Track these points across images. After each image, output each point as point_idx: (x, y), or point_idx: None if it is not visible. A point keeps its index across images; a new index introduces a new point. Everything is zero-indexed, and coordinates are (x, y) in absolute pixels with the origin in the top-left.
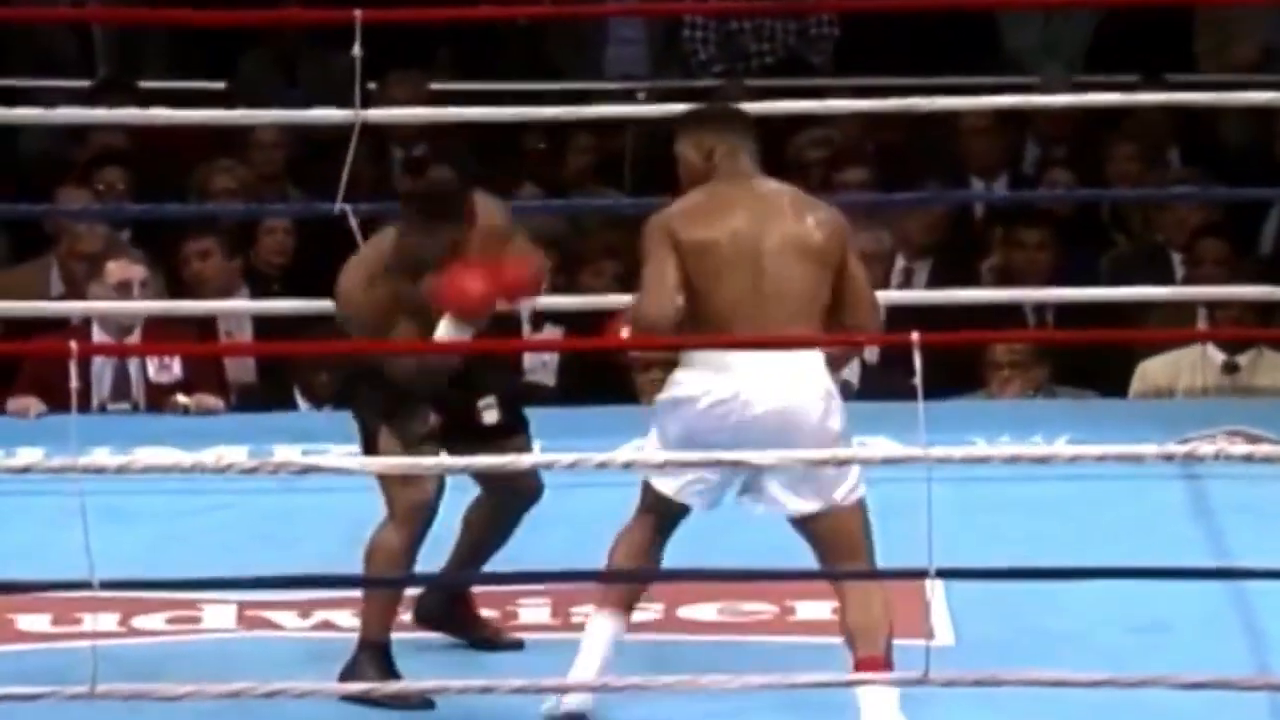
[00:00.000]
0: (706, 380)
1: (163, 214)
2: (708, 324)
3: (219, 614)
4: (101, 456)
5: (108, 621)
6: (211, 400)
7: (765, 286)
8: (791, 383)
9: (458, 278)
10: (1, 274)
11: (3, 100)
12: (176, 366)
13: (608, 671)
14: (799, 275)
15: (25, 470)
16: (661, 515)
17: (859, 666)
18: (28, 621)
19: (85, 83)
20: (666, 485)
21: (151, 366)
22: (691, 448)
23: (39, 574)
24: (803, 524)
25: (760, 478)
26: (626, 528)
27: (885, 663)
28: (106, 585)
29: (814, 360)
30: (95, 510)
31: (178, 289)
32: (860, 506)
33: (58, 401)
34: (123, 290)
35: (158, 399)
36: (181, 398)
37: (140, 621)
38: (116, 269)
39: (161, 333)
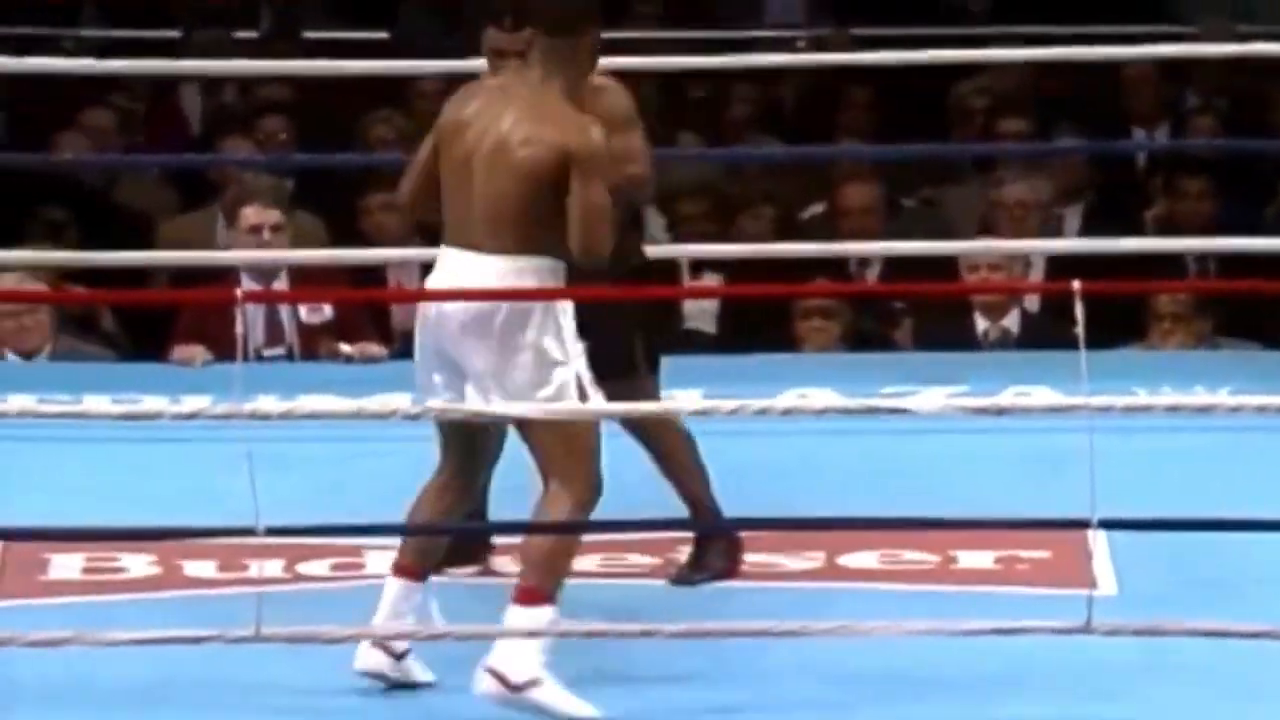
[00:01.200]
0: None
1: (325, 163)
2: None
3: (382, 560)
4: (266, 403)
5: (273, 568)
6: (374, 348)
7: (473, 187)
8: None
9: None
10: (169, 224)
11: (165, 52)
12: (327, 309)
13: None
14: (496, 182)
15: (192, 416)
16: (447, 449)
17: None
18: (194, 567)
19: (251, 33)
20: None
21: (303, 310)
22: (421, 357)
23: (206, 521)
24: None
25: (464, 385)
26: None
27: (536, 598)
28: (272, 531)
29: (506, 265)
30: (260, 457)
31: (353, 239)
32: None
33: (217, 349)
34: (254, 234)
35: (311, 341)
36: (345, 346)
37: (304, 568)
38: (251, 213)
39: (309, 277)
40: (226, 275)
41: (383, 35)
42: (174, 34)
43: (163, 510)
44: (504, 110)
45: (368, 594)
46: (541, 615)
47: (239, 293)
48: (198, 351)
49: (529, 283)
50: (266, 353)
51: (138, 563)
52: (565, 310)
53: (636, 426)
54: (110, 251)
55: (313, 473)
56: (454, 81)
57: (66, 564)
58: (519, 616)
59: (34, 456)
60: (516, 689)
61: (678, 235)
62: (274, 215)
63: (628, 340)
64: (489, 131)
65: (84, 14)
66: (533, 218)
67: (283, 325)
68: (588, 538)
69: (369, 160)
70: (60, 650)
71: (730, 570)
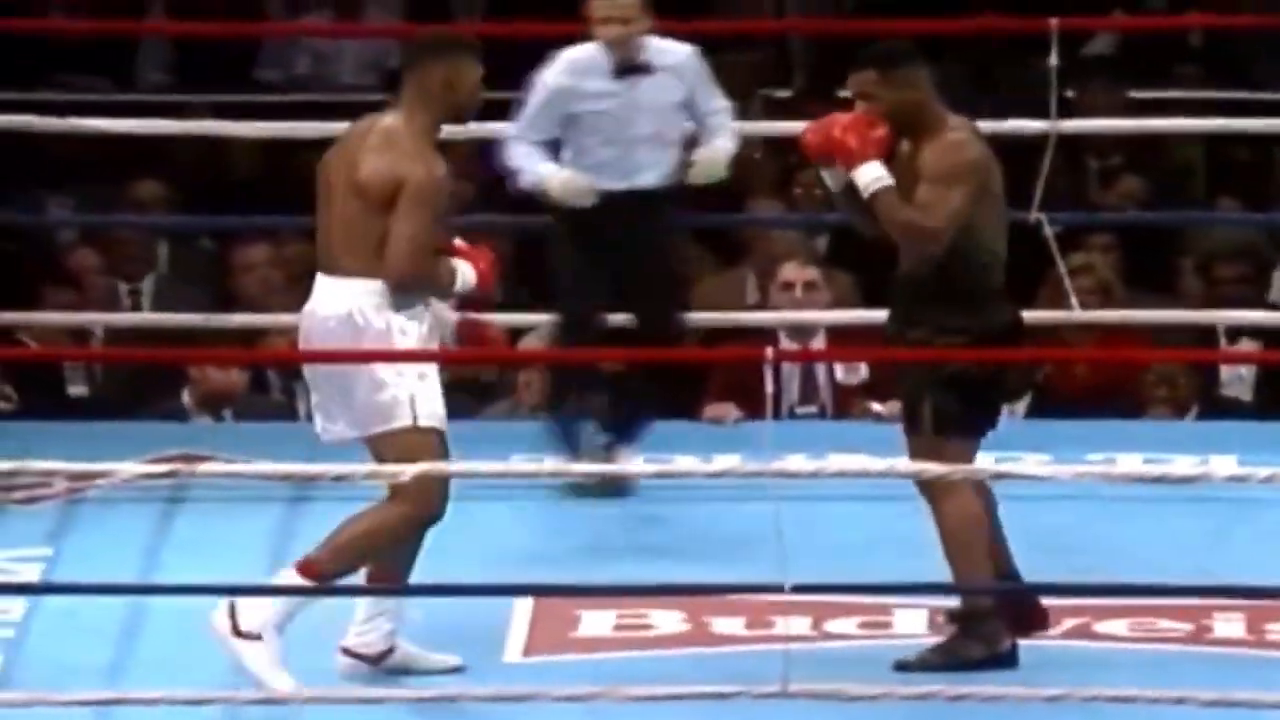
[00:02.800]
0: None
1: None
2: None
3: (910, 619)
4: (795, 461)
5: (800, 625)
6: None
7: (330, 212)
8: (317, 310)
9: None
10: (702, 283)
11: None
12: (863, 369)
13: None
14: (340, 207)
15: (722, 475)
16: None
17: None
18: (723, 624)
19: (784, 92)
20: None
21: (839, 369)
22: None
23: (735, 578)
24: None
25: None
26: None
27: (310, 570)
28: (798, 589)
29: (349, 289)
30: (789, 515)
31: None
32: (401, 435)
33: (750, 407)
34: (788, 290)
35: (845, 402)
36: (875, 405)
37: (832, 625)
38: (788, 271)
39: (846, 336)
40: (760, 333)
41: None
42: None
43: (692, 567)
44: (362, 142)
45: (896, 653)
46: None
47: (769, 351)
48: (730, 410)
49: (365, 304)
50: (799, 410)
51: (668, 619)
52: (404, 331)
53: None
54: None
55: (842, 531)
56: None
57: (598, 620)
58: (288, 576)
59: (563, 513)
60: (238, 634)
61: (1213, 299)
62: (810, 273)
63: (914, 399)
64: (344, 163)
65: None
66: (371, 242)
67: (818, 384)
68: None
69: None
70: (588, 704)
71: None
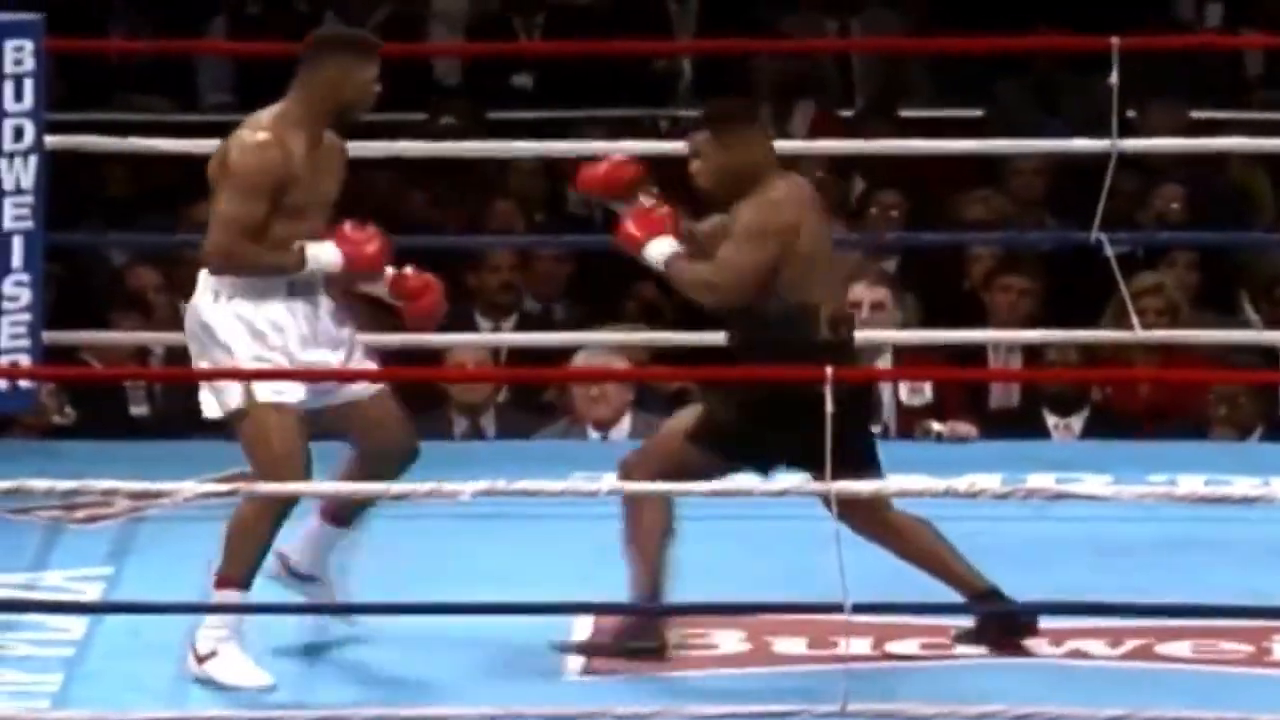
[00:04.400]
0: None
1: (917, 242)
2: None
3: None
4: (855, 482)
5: (860, 645)
6: (965, 427)
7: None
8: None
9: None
10: None
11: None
12: (928, 390)
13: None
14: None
15: (782, 494)
16: None
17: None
18: (783, 644)
19: (846, 112)
20: None
21: (904, 390)
22: None
23: (797, 598)
24: None
25: None
26: None
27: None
28: (859, 609)
29: (202, 278)
30: (850, 535)
31: (951, 318)
32: (241, 416)
33: None
34: (854, 309)
35: (908, 422)
36: (935, 424)
37: (893, 646)
38: (856, 290)
39: (914, 357)
40: None
41: (978, 113)
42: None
43: (754, 587)
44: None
45: (957, 674)
46: (227, 597)
47: (828, 371)
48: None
49: (219, 291)
50: None
51: (728, 638)
52: (239, 317)
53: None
54: (700, 332)
55: None
56: (1050, 161)
57: None
58: (215, 596)
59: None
60: (199, 659)
61: (1277, 320)
62: (879, 293)
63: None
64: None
65: (679, 93)
66: None
67: (882, 404)
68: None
69: (960, 239)
70: None
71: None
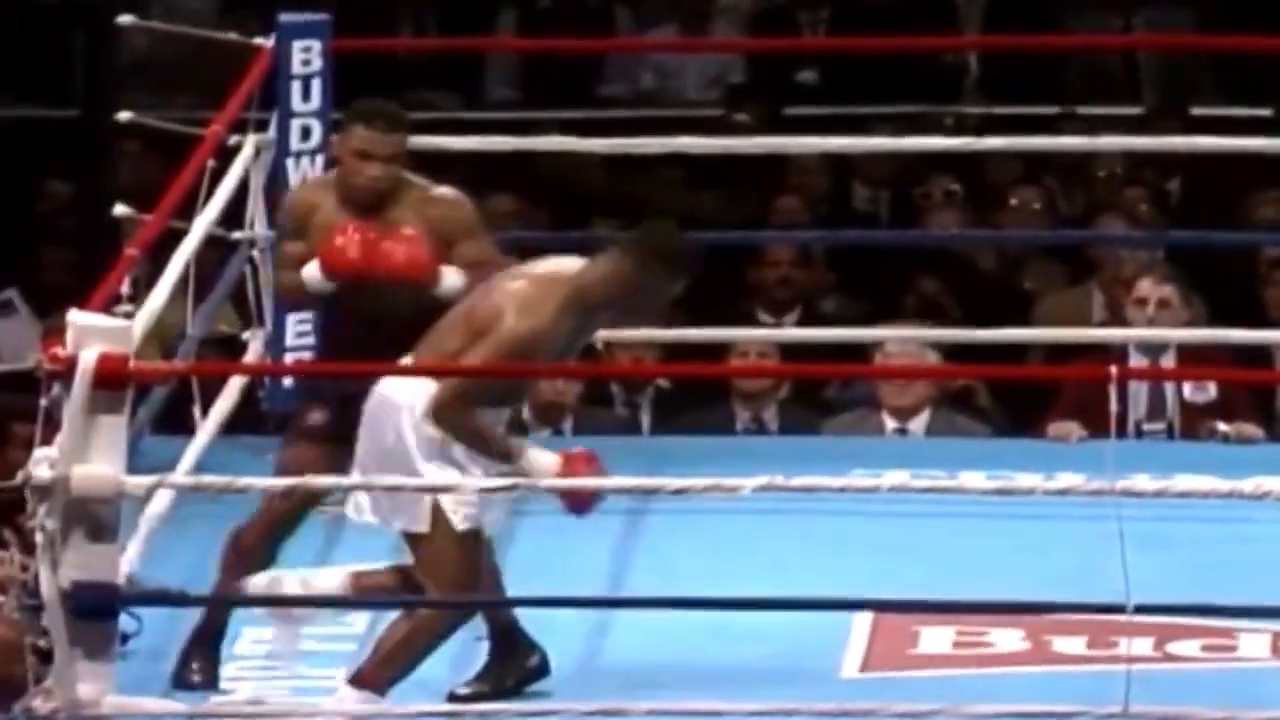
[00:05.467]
0: None
1: (1202, 242)
2: None
3: (1254, 643)
4: (1139, 481)
5: (1142, 646)
6: (1251, 429)
7: None
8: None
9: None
10: (1049, 299)
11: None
12: (1212, 388)
13: None
14: None
15: (1064, 493)
16: None
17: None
18: (1063, 644)
19: (1135, 109)
20: None
21: (1187, 387)
22: None
23: (1076, 598)
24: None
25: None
26: None
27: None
28: (1141, 609)
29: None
30: (1132, 535)
31: (1239, 318)
32: (430, 540)
33: (1097, 425)
34: (1140, 306)
35: (1192, 420)
36: (1221, 425)
37: (1174, 647)
38: (1145, 286)
39: (1198, 354)
40: (1108, 350)
41: (1269, 112)
42: (1053, 109)
43: (1034, 586)
44: None
45: (1239, 677)
46: (364, 698)
47: (1113, 370)
48: (1073, 428)
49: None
50: (1147, 427)
51: (1007, 638)
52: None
53: None
54: (990, 329)
55: (1186, 552)
56: None
57: (937, 637)
58: (345, 693)
59: (907, 530)
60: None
61: None
62: (1165, 290)
63: None
64: None
65: (964, 89)
66: None
67: (1165, 401)
68: None
69: (1252, 239)
70: None
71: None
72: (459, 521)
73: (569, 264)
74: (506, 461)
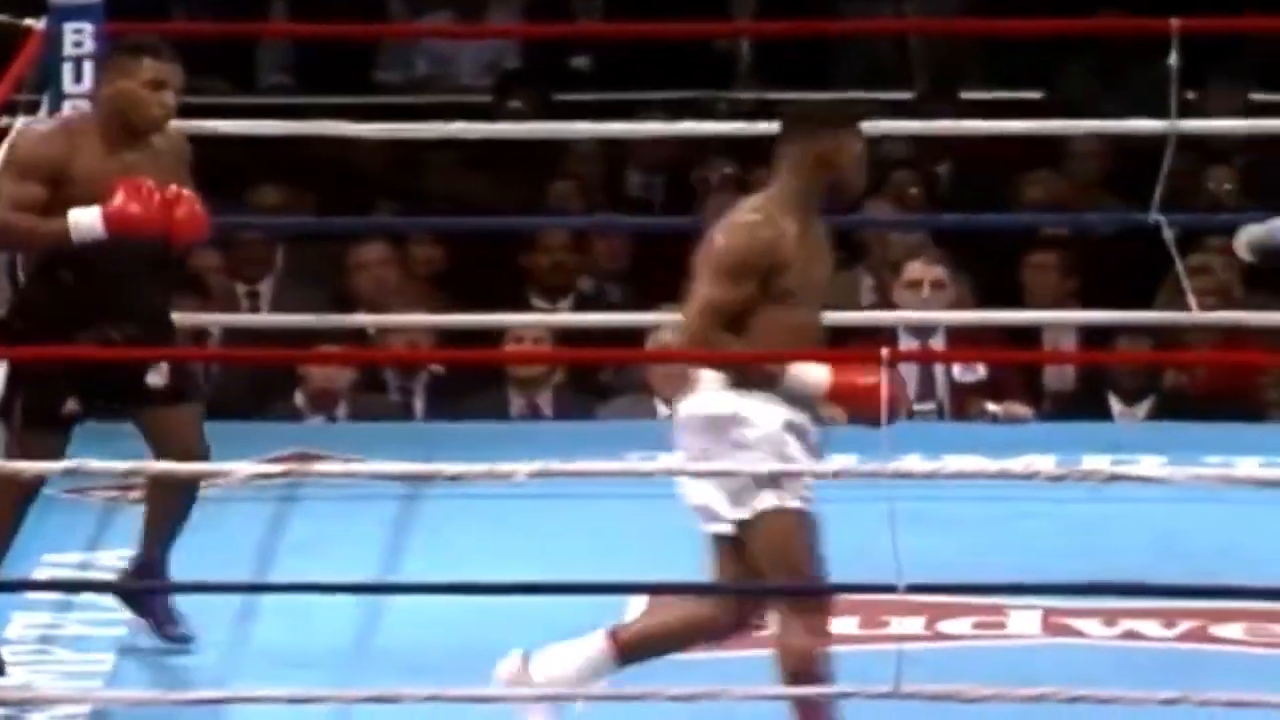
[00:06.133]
0: None
1: (971, 224)
2: None
3: (1024, 620)
4: (910, 462)
5: (913, 625)
6: (1020, 408)
7: None
8: None
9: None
10: None
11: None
12: (981, 368)
13: None
14: None
15: (836, 475)
16: None
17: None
18: (835, 624)
19: (907, 94)
20: None
21: (957, 368)
22: None
23: (850, 578)
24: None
25: None
26: None
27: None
28: (912, 589)
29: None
30: (904, 515)
31: (1006, 299)
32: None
33: None
34: (914, 288)
35: (962, 400)
36: (990, 405)
37: (945, 625)
38: (914, 268)
39: (966, 336)
40: (877, 333)
41: (1038, 95)
42: (829, 94)
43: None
44: None
45: (1009, 654)
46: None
47: (884, 351)
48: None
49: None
50: (917, 408)
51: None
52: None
53: None
54: None
55: (957, 532)
56: (1111, 142)
57: None
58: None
59: (682, 514)
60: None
61: None
62: (937, 271)
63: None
64: None
65: (738, 75)
66: None
67: (935, 382)
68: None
69: (1015, 220)
70: (693, 705)
71: None
72: (794, 501)
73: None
74: (773, 385)
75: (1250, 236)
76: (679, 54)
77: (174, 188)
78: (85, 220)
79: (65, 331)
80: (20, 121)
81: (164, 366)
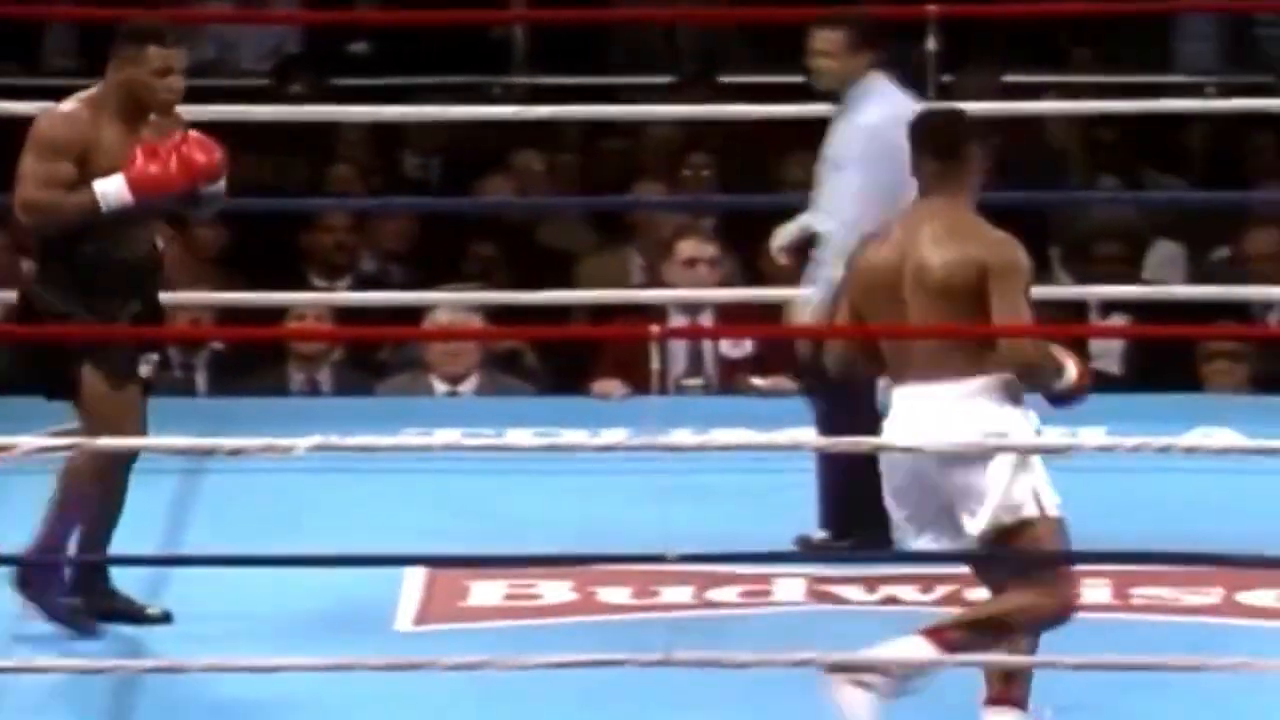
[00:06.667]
0: None
1: (737, 205)
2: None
3: (789, 588)
4: (680, 436)
5: (683, 594)
6: (785, 382)
7: (908, 317)
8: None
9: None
10: (589, 262)
11: (598, 97)
12: (748, 344)
13: None
14: (920, 309)
15: (608, 449)
16: None
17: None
18: (608, 594)
19: (675, 79)
20: None
21: (724, 344)
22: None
23: (622, 549)
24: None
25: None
26: None
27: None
28: (682, 559)
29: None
30: (675, 488)
31: (757, 278)
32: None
33: (637, 382)
34: (689, 266)
35: (730, 376)
36: (756, 379)
37: (714, 594)
38: (686, 247)
39: (734, 313)
40: (648, 311)
41: (800, 80)
42: (602, 80)
43: (581, 539)
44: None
45: (774, 621)
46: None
47: (654, 329)
48: (615, 385)
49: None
50: (686, 383)
51: (556, 590)
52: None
53: None
54: (534, 291)
55: (725, 503)
56: None
57: (487, 591)
58: (914, 642)
59: (459, 487)
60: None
61: (1090, 276)
62: (710, 250)
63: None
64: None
65: (513, 61)
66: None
67: (704, 358)
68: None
69: (781, 201)
70: (477, 673)
71: None
72: (1051, 507)
73: (934, 202)
74: (1060, 376)
75: (785, 236)
76: (456, 40)
77: (178, 134)
78: (112, 189)
79: (88, 306)
80: None
81: (154, 358)
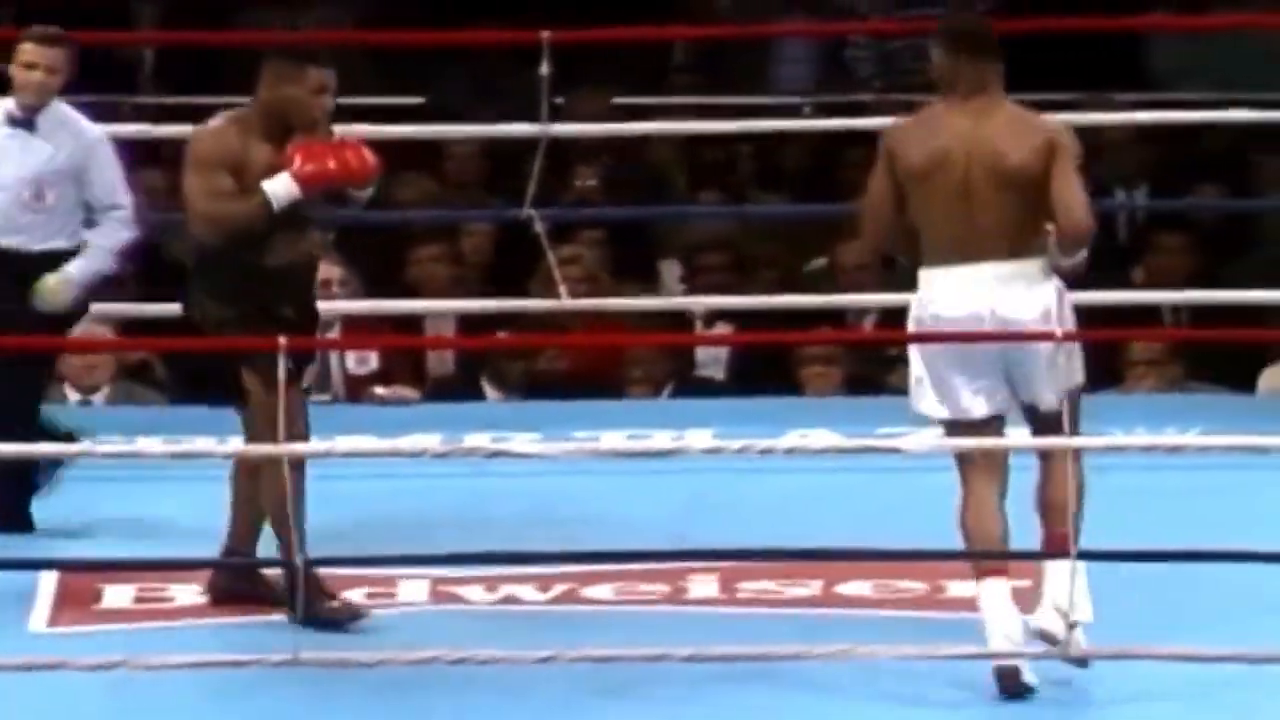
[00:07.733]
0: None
1: (363, 220)
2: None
3: (413, 588)
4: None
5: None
6: (407, 391)
7: (971, 212)
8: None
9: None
10: None
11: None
12: (373, 360)
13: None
14: (996, 202)
15: (236, 455)
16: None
17: (1049, 540)
18: None
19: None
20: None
21: (351, 360)
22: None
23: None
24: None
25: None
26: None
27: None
28: (310, 563)
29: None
30: (305, 492)
31: (395, 289)
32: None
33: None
34: (323, 288)
35: (356, 390)
36: (379, 389)
37: (342, 595)
38: (327, 269)
39: (360, 329)
40: None
41: (420, 101)
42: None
43: (208, 543)
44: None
45: (400, 621)
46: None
47: (281, 341)
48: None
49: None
50: (314, 398)
51: (186, 592)
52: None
53: None
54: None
55: (352, 508)
56: (486, 145)
57: (119, 594)
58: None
59: (88, 494)
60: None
61: (696, 288)
62: (337, 271)
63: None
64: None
65: (141, 80)
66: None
67: (331, 374)
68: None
69: (404, 217)
70: (110, 674)
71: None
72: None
73: (985, 99)
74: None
75: (44, 288)
76: (83, 61)
77: (338, 136)
78: (280, 188)
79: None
80: None
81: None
